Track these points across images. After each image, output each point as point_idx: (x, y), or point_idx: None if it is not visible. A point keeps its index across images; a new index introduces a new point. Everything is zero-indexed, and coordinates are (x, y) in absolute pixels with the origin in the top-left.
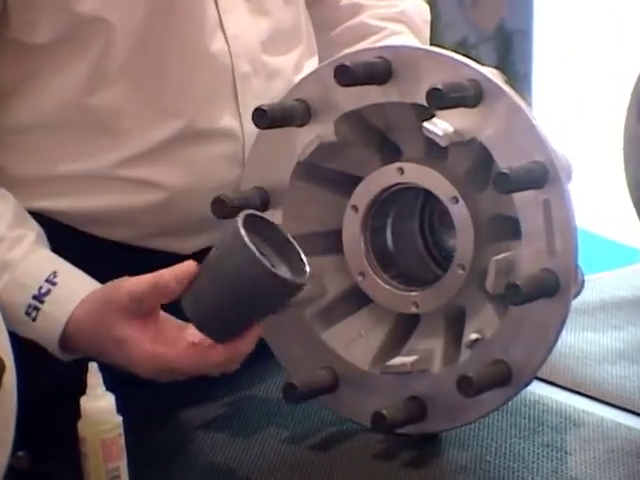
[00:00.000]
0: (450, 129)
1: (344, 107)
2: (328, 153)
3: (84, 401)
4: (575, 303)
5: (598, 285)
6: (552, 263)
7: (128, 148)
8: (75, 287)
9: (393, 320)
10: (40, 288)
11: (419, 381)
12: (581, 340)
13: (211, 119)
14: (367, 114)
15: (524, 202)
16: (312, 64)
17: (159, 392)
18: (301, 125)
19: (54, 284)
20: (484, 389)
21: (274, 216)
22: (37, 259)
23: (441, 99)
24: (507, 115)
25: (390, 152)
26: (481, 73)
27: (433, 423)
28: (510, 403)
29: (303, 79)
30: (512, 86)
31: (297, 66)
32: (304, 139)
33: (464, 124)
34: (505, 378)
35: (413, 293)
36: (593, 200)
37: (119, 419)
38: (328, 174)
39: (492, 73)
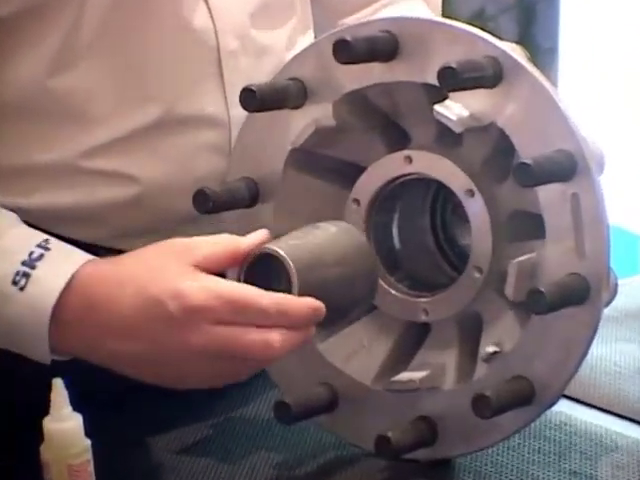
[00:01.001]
0: (465, 113)
1: (344, 87)
2: (326, 139)
3: (48, 422)
4: (606, 310)
5: (632, 289)
6: (581, 266)
7: (97, 136)
8: (76, 251)
9: (399, 329)
10: (31, 253)
11: (429, 400)
12: (613, 352)
13: (193, 104)
14: (370, 95)
15: (549, 196)
16: (307, 39)
17: (133, 412)
18: (295, 107)
19: (47, 249)
20: (503, 409)
21: (264, 211)
22: (22, 230)
23: (455, 79)
24: (530, 97)
25: (397, 138)
26: (500, 49)
27: (445, 447)
28: (532, 425)
29: (298, 55)
30: (535, 63)
31: (290, 41)
32: (299, 123)
33: (481, 107)
34: (527, 397)
35: (422, 299)
36: (627, 193)
37: (87, 442)
38: (326, 163)
39: (512, 49)
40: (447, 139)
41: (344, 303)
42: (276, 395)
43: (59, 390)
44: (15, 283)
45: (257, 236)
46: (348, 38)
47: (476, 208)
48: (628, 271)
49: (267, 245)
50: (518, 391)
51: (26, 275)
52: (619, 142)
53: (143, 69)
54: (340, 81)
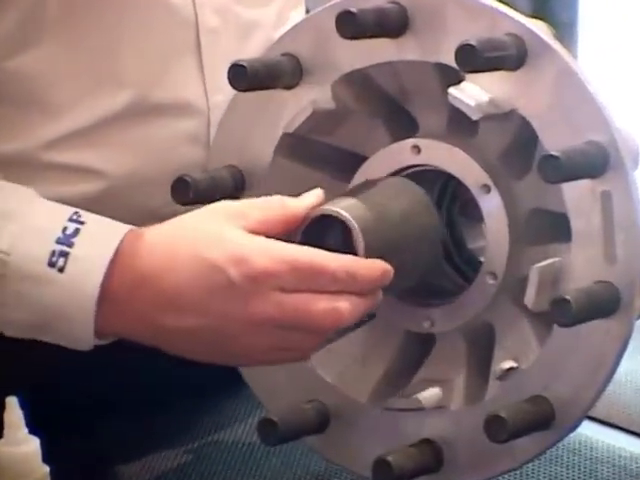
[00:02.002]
0: (484, 97)
1: (346, 65)
2: (323, 124)
3: (0, 446)
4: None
5: None
6: (611, 273)
7: (60, 126)
8: (113, 222)
9: (400, 341)
10: (65, 229)
11: (434, 420)
12: None
13: (168, 89)
14: (375, 75)
15: (576, 194)
16: (298, 15)
17: (99, 435)
18: (289, 87)
19: (82, 222)
20: (519, 433)
21: None
22: (48, 205)
23: (475, 59)
24: (557, 81)
25: (403, 125)
26: (525, 26)
27: (451, 474)
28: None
29: (292, 28)
30: (563, 43)
31: (279, 19)
32: (293, 105)
33: (501, 91)
34: (545, 420)
35: (427, 307)
36: None
37: (46, 470)
38: (322, 151)
39: (538, 26)
40: (460, 127)
41: (410, 266)
42: (259, 416)
43: (13, 409)
44: (52, 264)
45: (312, 197)
46: (354, 10)
47: (492, 206)
48: None
49: (325, 206)
50: (536, 413)
51: (64, 254)
52: None
53: (111, 50)
54: (340, 59)
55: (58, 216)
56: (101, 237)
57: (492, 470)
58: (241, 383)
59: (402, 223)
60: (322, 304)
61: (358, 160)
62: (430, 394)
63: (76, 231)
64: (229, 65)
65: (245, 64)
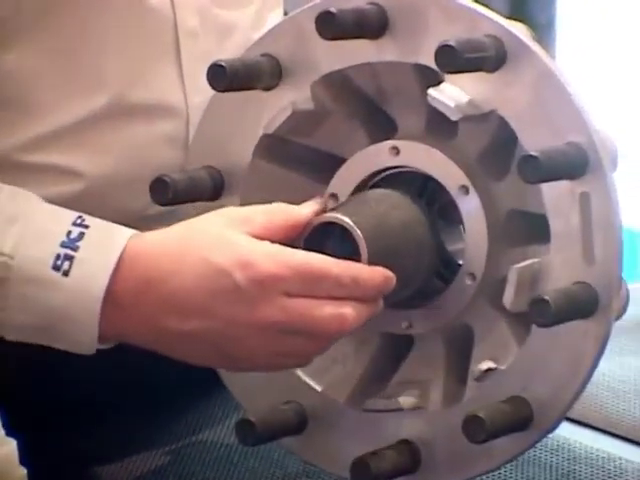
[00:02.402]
0: (463, 99)
1: (325, 66)
2: (302, 125)
3: None
4: None
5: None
6: (590, 274)
7: (37, 127)
8: (116, 226)
9: (379, 342)
10: (69, 233)
11: (412, 422)
12: (618, 367)
13: (146, 90)
14: (354, 76)
15: (555, 195)
16: (277, 16)
17: (74, 437)
18: (268, 88)
19: (86, 226)
20: (498, 434)
21: (229, 205)
22: (51, 208)
23: (455, 60)
24: (536, 82)
25: (382, 126)
26: (504, 27)
27: (429, 475)
28: None
29: (272, 29)
30: (541, 44)
31: (257, 20)
32: (272, 106)
33: (481, 92)
34: (524, 420)
35: (406, 308)
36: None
37: (23, 472)
38: (300, 152)
39: (517, 28)
40: (439, 129)
41: (410, 274)
42: (237, 417)
43: None
44: (57, 268)
45: (314, 204)
46: (334, 10)
47: (471, 207)
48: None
49: (328, 213)
50: (514, 413)
51: (69, 258)
52: (628, 129)
53: (90, 51)
54: (320, 60)
55: (62, 220)
56: (106, 241)
57: (470, 471)
58: (219, 384)
59: (403, 232)
60: (327, 310)
61: (337, 162)
62: (408, 395)
63: (81, 235)
64: (208, 66)
65: (224, 64)
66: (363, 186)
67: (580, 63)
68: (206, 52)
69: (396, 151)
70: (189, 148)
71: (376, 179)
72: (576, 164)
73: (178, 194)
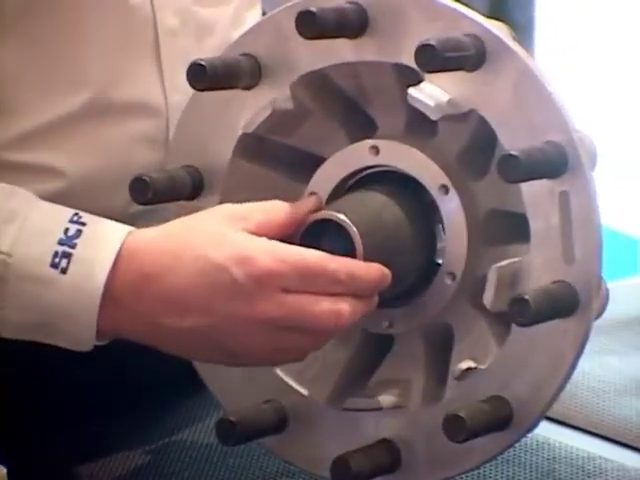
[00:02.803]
0: (443, 98)
1: (304, 66)
2: (281, 124)
3: None
4: None
5: (620, 295)
6: (569, 273)
7: (16, 126)
8: (112, 223)
9: (359, 341)
10: (66, 230)
11: (392, 421)
12: (597, 366)
13: (126, 89)
14: (334, 76)
15: (535, 194)
16: (254, 15)
17: (55, 436)
18: (248, 87)
19: (82, 223)
20: (478, 433)
21: (208, 204)
22: (47, 206)
23: (435, 59)
24: (516, 82)
25: (362, 126)
26: (484, 27)
27: (409, 474)
28: None
29: (252, 28)
30: (520, 44)
31: (235, 19)
32: (251, 105)
33: (460, 92)
34: (504, 419)
35: (386, 307)
36: (617, 191)
37: (3, 470)
38: (280, 151)
39: (497, 27)
40: (419, 128)
41: (404, 272)
42: (217, 417)
43: None
44: (55, 266)
45: (309, 202)
46: (314, 10)
47: (451, 206)
48: (615, 274)
49: (324, 210)
50: (495, 413)
51: (67, 255)
52: (606, 130)
53: (69, 49)
54: (300, 59)
55: (59, 217)
56: (103, 238)
57: (450, 470)
58: (198, 383)
59: (397, 229)
60: (324, 305)
61: (316, 161)
62: (388, 394)
63: (78, 232)
64: (182, 71)
65: (204, 63)
66: (343, 185)
67: (559, 63)
68: (186, 50)
69: (376, 150)
70: (169, 147)
71: (356, 178)
72: (556, 163)
73: (158, 193)
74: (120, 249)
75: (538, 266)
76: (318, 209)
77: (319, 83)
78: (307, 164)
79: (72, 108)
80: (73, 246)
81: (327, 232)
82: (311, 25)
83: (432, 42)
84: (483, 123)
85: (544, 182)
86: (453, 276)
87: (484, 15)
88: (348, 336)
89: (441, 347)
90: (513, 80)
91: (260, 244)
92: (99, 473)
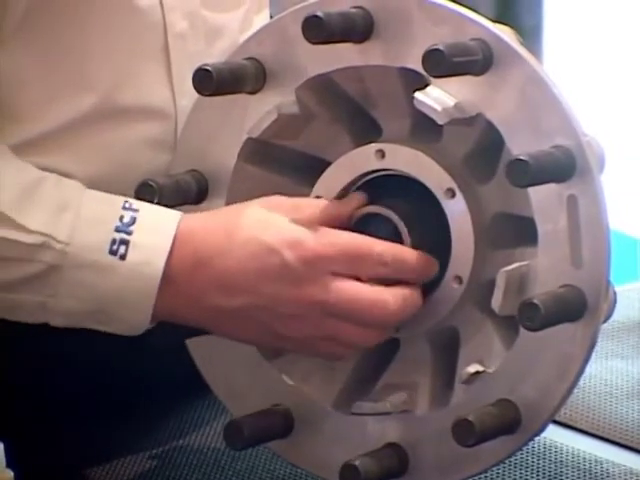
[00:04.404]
0: (450, 102)
1: (309, 70)
2: (286, 129)
3: None
4: None
5: (627, 299)
6: (578, 277)
7: (26, 130)
8: (164, 208)
9: None
10: (121, 217)
11: (399, 425)
12: (604, 370)
13: (135, 92)
14: (339, 80)
15: (543, 198)
16: (262, 19)
17: (62, 440)
18: (252, 92)
19: (135, 210)
20: (487, 437)
21: (214, 209)
22: (97, 194)
23: (443, 64)
24: (523, 86)
25: (367, 130)
26: (490, 31)
27: (416, 478)
28: None
29: (256, 33)
30: (528, 48)
31: (245, 23)
32: (257, 110)
33: (467, 96)
34: (511, 424)
35: None
36: (625, 195)
37: (10, 474)
38: (285, 156)
39: (503, 31)
40: (424, 132)
41: (442, 265)
42: (224, 421)
43: None
44: (113, 253)
45: (355, 198)
46: (321, 14)
47: (457, 210)
48: (623, 278)
49: (371, 206)
50: (502, 417)
51: (124, 242)
52: (615, 133)
53: (78, 52)
54: (305, 64)
55: (112, 205)
56: (158, 224)
57: (458, 474)
58: (206, 388)
59: (435, 227)
60: (370, 292)
61: (321, 165)
62: (395, 398)
63: (133, 219)
64: (195, 68)
65: (210, 69)
66: (348, 189)
67: (568, 66)
68: (195, 54)
69: (381, 154)
70: (175, 151)
71: (361, 182)
72: (564, 167)
73: (164, 198)
74: (176, 234)
75: (546, 270)
76: (363, 206)
77: (324, 87)
78: (312, 168)
79: (79, 112)
80: (130, 233)
81: (373, 228)
82: (318, 30)
83: (440, 47)
84: (489, 127)
85: (552, 186)
86: (460, 280)
87: (491, 19)
88: None
89: (448, 351)
90: (520, 84)
91: (310, 229)
92: (106, 478)
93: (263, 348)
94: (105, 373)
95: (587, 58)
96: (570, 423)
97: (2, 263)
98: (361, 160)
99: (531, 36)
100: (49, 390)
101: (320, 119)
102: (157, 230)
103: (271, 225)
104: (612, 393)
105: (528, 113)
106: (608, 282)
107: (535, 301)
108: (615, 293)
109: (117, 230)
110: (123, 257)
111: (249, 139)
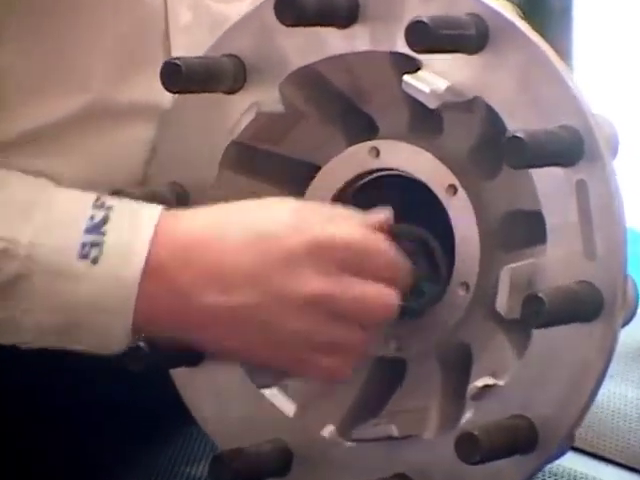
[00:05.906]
0: (442, 84)
1: (292, 62)
2: (270, 130)
3: None
4: None
5: None
6: (591, 271)
7: (12, 130)
8: (139, 203)
9: (369, 367)
10: (92, 217)
11: (407, 451)
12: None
13: (131, 90)
14: (327, 73)
15: (549, 185)
16: None
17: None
18: (231, 91)
19: (108, 208)
20: (496, 454)
21: None
22: (66, 192)
23: (427, 37)
24: (524, 64)
25: (360, 127)
26: (485, 4)
27: None
28: None
29: (234, 25)
30: (545, 26)
31: None
32: (238, 111)
33: (463, 77)
34: (526, 440)
35: (393, 325)
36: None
37: None
38: (271, 161)
39: (501, 5)
40: (423, 125)
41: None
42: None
43: None
44: (84, 256)
45: (382, 213)
46: None
47: (460, 208)
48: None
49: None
50: (514, 431)
51: (96, 244)
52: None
53: (70, 46)
54: (287, 55)
55: (82, 204)
56: (135, 220)
57: None
58: (194, 421)
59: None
60: (374, 289)
61: (311, 170)
62: (401, 423)
63: (105, 218)
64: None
65: (180, 62)
66: (344, 193)
67: (598, 51)
68: (199, 47)
69: (376, 152)
70: (150, 164)
71: (356, 185)
72: (569, 148)
73: None
74: (155, 230)
75: (556, 265)
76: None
77: (311, 82)
78: (301, 174)
79: (71, 110)
80: (103, 233)
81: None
82: (290, 11)
83: (424, 19)
84: (491, 113)
85: (559, 171)
86: (466, 287)
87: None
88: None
89: (459, 369)
90: (520, 62)
91: (320, 213)
92: None
93: (247, 366)
94: (95, 410)
95: (619, 42)
96: (582, 447)
97: None
98: (353, 161)
99: (561, 18)
100: (44, 407)
101: (308, 118)
102: (134, 226)
103: (269, 210)
104: (627, 415)
105: (530, 93)
106: (626, 276)
107: (540, 294)
108: (636, 288)
109: (87, 231)
110: (95, 261)
111: (231, 144)
